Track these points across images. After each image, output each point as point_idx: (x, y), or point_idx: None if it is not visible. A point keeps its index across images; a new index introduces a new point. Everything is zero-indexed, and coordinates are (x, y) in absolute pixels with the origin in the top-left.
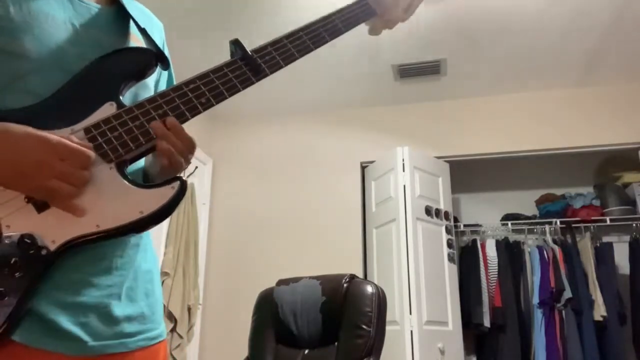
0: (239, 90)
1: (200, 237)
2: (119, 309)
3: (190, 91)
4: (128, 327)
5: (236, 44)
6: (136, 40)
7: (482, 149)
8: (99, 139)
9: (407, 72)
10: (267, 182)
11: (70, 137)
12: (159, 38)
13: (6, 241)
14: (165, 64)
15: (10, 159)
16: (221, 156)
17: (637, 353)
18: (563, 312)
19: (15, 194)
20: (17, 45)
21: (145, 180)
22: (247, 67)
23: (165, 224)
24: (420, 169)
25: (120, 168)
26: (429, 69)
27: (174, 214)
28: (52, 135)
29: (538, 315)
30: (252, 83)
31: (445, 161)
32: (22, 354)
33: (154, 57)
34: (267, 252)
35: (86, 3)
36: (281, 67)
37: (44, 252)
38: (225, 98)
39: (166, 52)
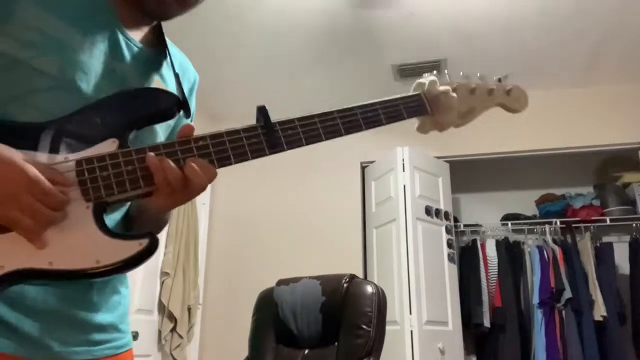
0: (247, 159)
1: (200, 237)
2: (87, 318)
3: (197, 148)
4: (96, 336)
5: (260, 112)
6: (160, 86)
7: (482, 149)
8: (86, 175)
9: (407, 72)
10: (267, 182)
11: (53, 172)
12: (188, 88)
13: None
14: (187, 112)
15: None
16: None
17: (637, 353)
18: (563, 312)
19: None
20: (41, 61)
21: (126, 220)
22: (265, 137)
23: None
24: (420, 169)
25: (97, 210)
26: (429, 69)
27: (174, 214)
28: (31, 169)
29: (538, 315)
30: (264, 155)
31: (445, 161)
32: None
33: (176, 104)
34: (267, 252)
35: (128, 39)
36: (301, 145)
37: None
38: (230, 164)
39: (193, 103)
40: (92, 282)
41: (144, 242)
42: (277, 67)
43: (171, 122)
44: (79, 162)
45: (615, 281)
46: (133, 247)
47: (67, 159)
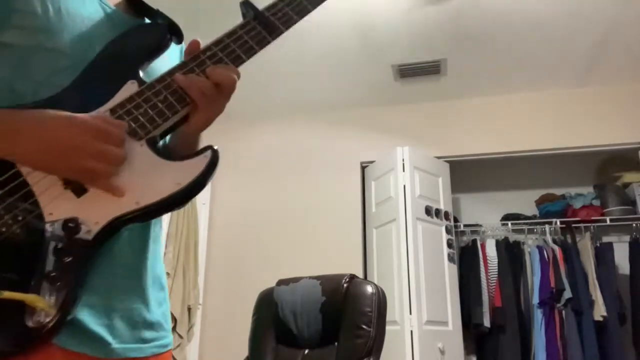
0: (256, 52)
1: (200, 237)
2: (139, 314)
3: (209, 58)
4: (146, 333)
5: (246, 4)
6: None
7: (482, 149)
8: (126, 117)
9: (407, 72)
10: (267, 182)
11: (104, 117)
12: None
13: (50, 228)
14: (179, 36)
15: (47, 142)
16: (221, 156)
17: (637, 353)
18: (563, 312)
19: (53, 181)
20: (54, 42)
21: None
22: (262, 25)
23: (165, 223)
24: (420, 169)
25: (151, 144)
26: (429, 69)
27: (174, 213)
28: (84, 116)
29: (538, 315)
30: (269, 42)
31: (445, 161)
32: (54, 353)
33: (166, 30)
34: (267, 252)
35: (114, 9)
36: (296, 22)
37: (89, 234)
38: (244, 61)
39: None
40: (145, 279)
41: (208, 153)
42: (278, 67)
43: (170, 54)
44: (112, 110)
45: (615, 281)
46: (201, 161)
47: (99, 112)
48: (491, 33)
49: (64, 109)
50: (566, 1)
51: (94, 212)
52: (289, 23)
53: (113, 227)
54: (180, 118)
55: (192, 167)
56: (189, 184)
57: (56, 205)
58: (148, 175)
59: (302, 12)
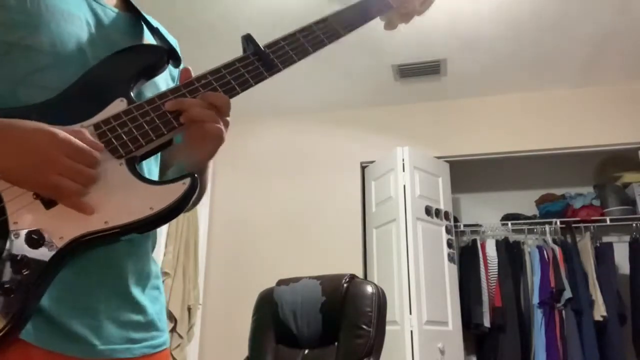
0: (251, 86)
1: (200, 237)
2: (127, 314)
3: (202, 86)
4: (135, 334)
5: (248, 39)
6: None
7: (482, 149)
8: (109, 134)
9: (407, 72)
10: (267, 182)
11: (79, 134)
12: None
13: (13, 237)
14: (177, 61)
15: (16, 155)
16: (221, 156)
17: (637, 353)
18: (563, 312)
19: (23, 191)
20: (32, 39)
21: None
22: (260, 62)
23: None
24: (420, 169)
25: (130, 164)
26: (429, 69)
27: None
28: (61, 132)
29: (538, 315)
30: (265, 78)
31: (445, 161)
32: (32, 354)
33: (165, 54)
34: (267, 252)
35: (103, 5)
36: (294, 62)
37: (51, 249)
38: (238, 93)
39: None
40: (135, 279)
41: (187, 181)
42: None
43: (167, 76)
44: (97, 125)
45: (615, 281)
46: (178, 188)
47: (83, 126)
48: (491, 33)
49: (48, 118)
50: (566, 1)
51: (60, 226)
52: (287, 62)
53: (79, 244)
54: (165, 142)
55: (168, 193)
56: (162, 210)
57: (22, 215)
58: (122, 196)
59: (302, 54)
